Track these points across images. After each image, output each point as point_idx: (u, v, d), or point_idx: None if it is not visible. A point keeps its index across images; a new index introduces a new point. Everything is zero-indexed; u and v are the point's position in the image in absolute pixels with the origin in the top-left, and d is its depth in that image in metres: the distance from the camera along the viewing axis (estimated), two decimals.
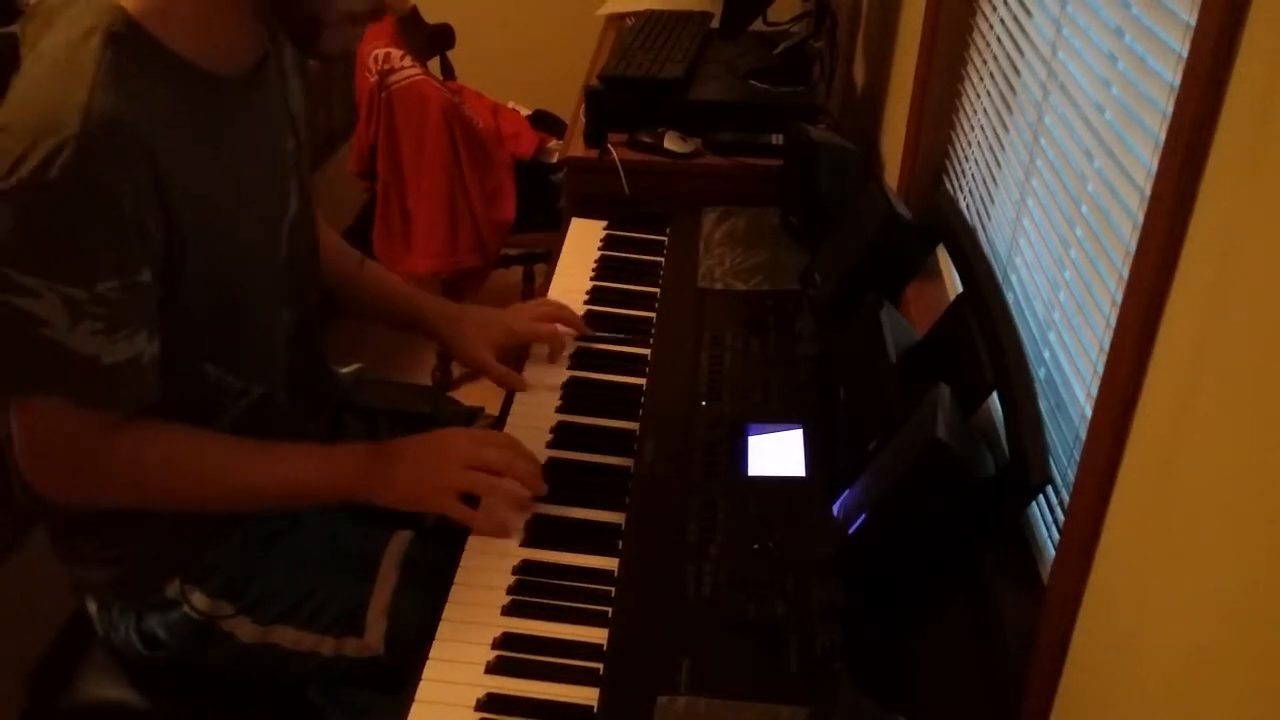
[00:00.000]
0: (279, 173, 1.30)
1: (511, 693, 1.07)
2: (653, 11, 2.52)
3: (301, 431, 1.38)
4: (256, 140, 1.26)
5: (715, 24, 2.39)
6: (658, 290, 1.73)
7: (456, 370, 3.07)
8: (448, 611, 1.15)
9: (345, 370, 1.66)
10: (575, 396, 1.49)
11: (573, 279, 1.76)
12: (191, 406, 1.24)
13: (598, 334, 1.61)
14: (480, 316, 1.59)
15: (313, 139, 3.05)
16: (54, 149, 1.03)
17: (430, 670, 1.09)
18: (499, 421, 1.46)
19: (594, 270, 1.78)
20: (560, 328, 1.58)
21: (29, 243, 1.06)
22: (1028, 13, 1.40)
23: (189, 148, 1.14)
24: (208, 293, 1.19)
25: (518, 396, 1.49)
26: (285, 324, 1.35)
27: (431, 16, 3.10)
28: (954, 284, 1.58)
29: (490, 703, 1.06)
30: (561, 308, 1.60)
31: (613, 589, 1.18)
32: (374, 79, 2.66)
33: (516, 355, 1.58)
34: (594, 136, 2.07)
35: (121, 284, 1.09)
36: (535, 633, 1.13)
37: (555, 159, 2.90)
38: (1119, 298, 0.91)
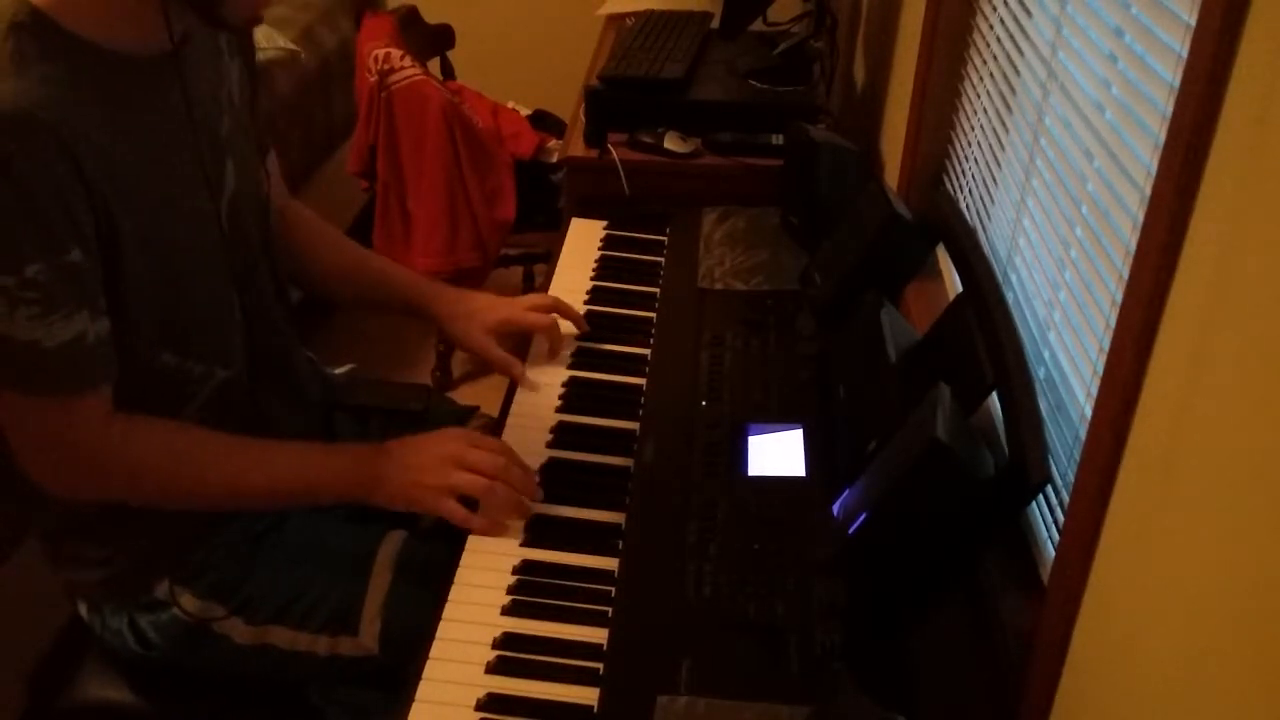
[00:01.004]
0: (213, 152, 1.29)
1: (511, 693, 1.07)
2: (653, 11, 2.52)
3: (278, 423, 1.37)
4: (179, 120, 1.24)
5: (715, 24, 2.39)
6: (658, 290, 1.73)
7: (456, 370, 3.07)
8: (448, 611, 1.15)
9: (338, 371, 1.66)
10: (575, 396, 1.49)
11: (573, 279, 1.76)
12: (156, 395, 1.24)
13: (597, 334, 1.61)
14: (478, 301, 1.59)
15: (307, 139, 3.04)
16: None
17: (430, 670, 1.09)
18: (499, 421, 1.46)
19: (594, 270, 1.78)
20: (559, 320, 1.58)
21: None
22: (1028, 13, 1.40)
23: (103, 129, 1.13)
24: (151, 274, 1.19)
25: (518, 396, 1.49)
26: (240, 307, 1.34)
27: (431, 16, 3.10)
28: (954, 284, 1.58)
29: (490, 703, 1.06)
30: (560, 301, 1.60)
31: (613, 589, 1.18)
32: (374, 79, 2.66)
33: (517, 352, 1.58)
34: (594, 136, 2.07)
35: (48, 265, 1.09)
36: (535, 633, 1.13)
37: (555, 159, 2.90)
38: (1119, 298, 0.91)
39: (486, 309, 1.57)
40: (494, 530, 1.25)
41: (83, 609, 1.36)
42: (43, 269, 1.09)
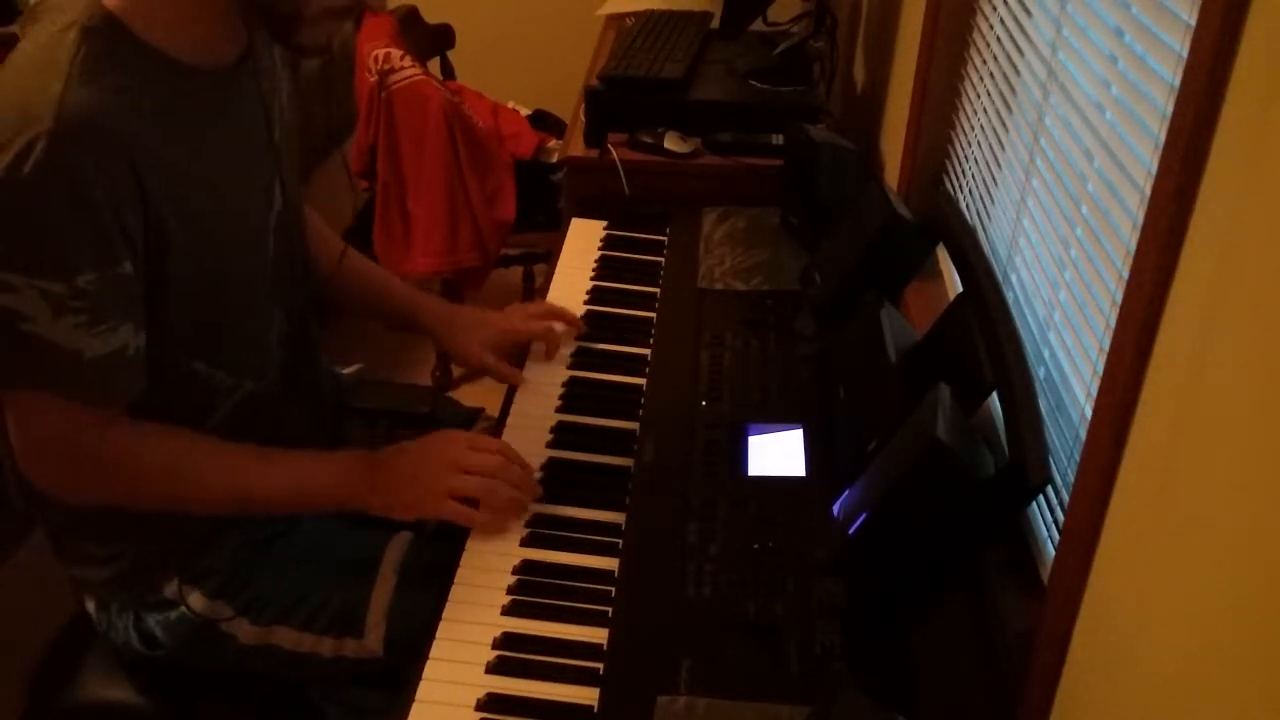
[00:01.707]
0: (264, 168, 1.30)
1: (511, 693, 1.07)
2: (653, 11, 2.52)
3: (298, 429, 1.37)
4: (239, 134, 1.26)
5: (715, 24, 2.39)
6: (658, 290, 1.73)
7: (456, 370, 3.07)
8: (448, 611, 1.15)
9: (346, 371, 1.66)
10: (575, 396, 1.49)
11: (573, 279, 1.76)
12: (182, 403, 1.24)
13: (597, 334, 1.61)
14: (475, 316, 1.60)
15: (307, 138, 3.05)
16: (28, 144, 1.03)
17: (430, 670, 1.09)
18: (499, 422, 1.46)
19: (594, 270, 1.79)
20: (556, 325, 1.58)
21: (4, 237, 1.06)
22: (1028, 13, 1.40)
23: (168, 141, 1.14)
24: (195, 287, 1.19)
25: (518, 396, 1.49)
26: (277, 321, 1.35)
27: (431, 16, 3.10)
28: (954, 284, 1.58)
29: (490, 703, 1.06)
30: (555, 306, 1.60)
31: (613, 589, 1.18)
32: (374, 79, 2.66)
33: (516, 355, 1.58)
34: (594, 136, 2.07)
35: (101, 277, 1.09)
36: (535, 633, 1.13)
37: (555, 159, 2.90)
38: (1119, 298, 0.91)
39: (483, 323, 1.57)
40: (496, 526, 1.25)
41: (90, 606, 1.36)
42: (94, 279, 1.08)
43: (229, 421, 1.29)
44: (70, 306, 1.08)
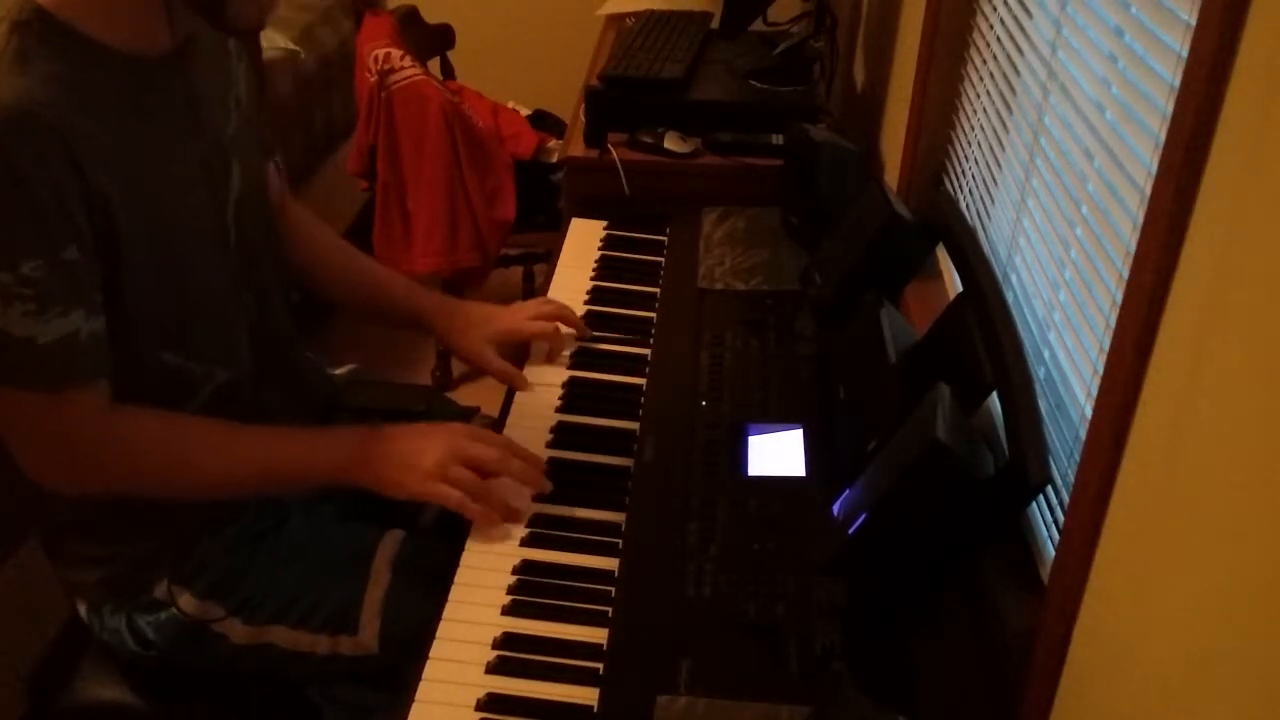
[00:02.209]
0: (218, 154, 1.29)
1: (511, 693, 1.07)
2: (653, 11, 2.52)
3: (279, 419, 1.37)
4: (184, 120, 1.25)
5: (715, 24, 2.39)
6: (658, 290, 1.73)
7: (456, 370, 3.07)
8: (448, 611, 1.15)
9: (339, 371, 1.66)
10: (575, 396, 1.49)
11: (573, 279, 1.76)
12: (157, 394, 1.24)
13: (597, 334, 1.61)
14: (479, 313, 1.59)
15: (307, 138, 3.04)
16: None
17: (430, 670, 1.09)
18: (498, 421, 1.46)
19: (594, 270, 1.78)
20: (560, 327, 1.57)
21: None
22: (1028, 13, 1.40)
23: (106, 128, 1.14)
24: (152, 275, 1.19)
25: (518, 396, 1.49)
26: (246, 309, 1.34)
27: (431, 16, 3.11)
28: (954, 284, 1.58)
29: (490, 703, 1.06)
30: (562, 308, 1.60)
31: (613, 589, 1.18)
32: (374, 79, 2.66)
33: (516, 355, 1.58)
34: (594, 136, 2.07)
35: (46, 263, 1.09)
36: (535, 633, 1.13)
37: (555, 159, 2.90)
38: (1119, 298, 0.91)
39: (486, 321, 1.57)
40: (490, 519, 1.24)
41: (82, 608, 1.36)
42: (39, 266, 1.09)
43: (206, 412, 1.29)
44: (18, 294, 1.09)
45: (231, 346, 1.32)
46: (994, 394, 1.21)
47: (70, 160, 1.09)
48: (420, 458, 1.26)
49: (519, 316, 1.58)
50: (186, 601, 1.31)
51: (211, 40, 1.31)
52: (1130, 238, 0.97)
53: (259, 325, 1.36)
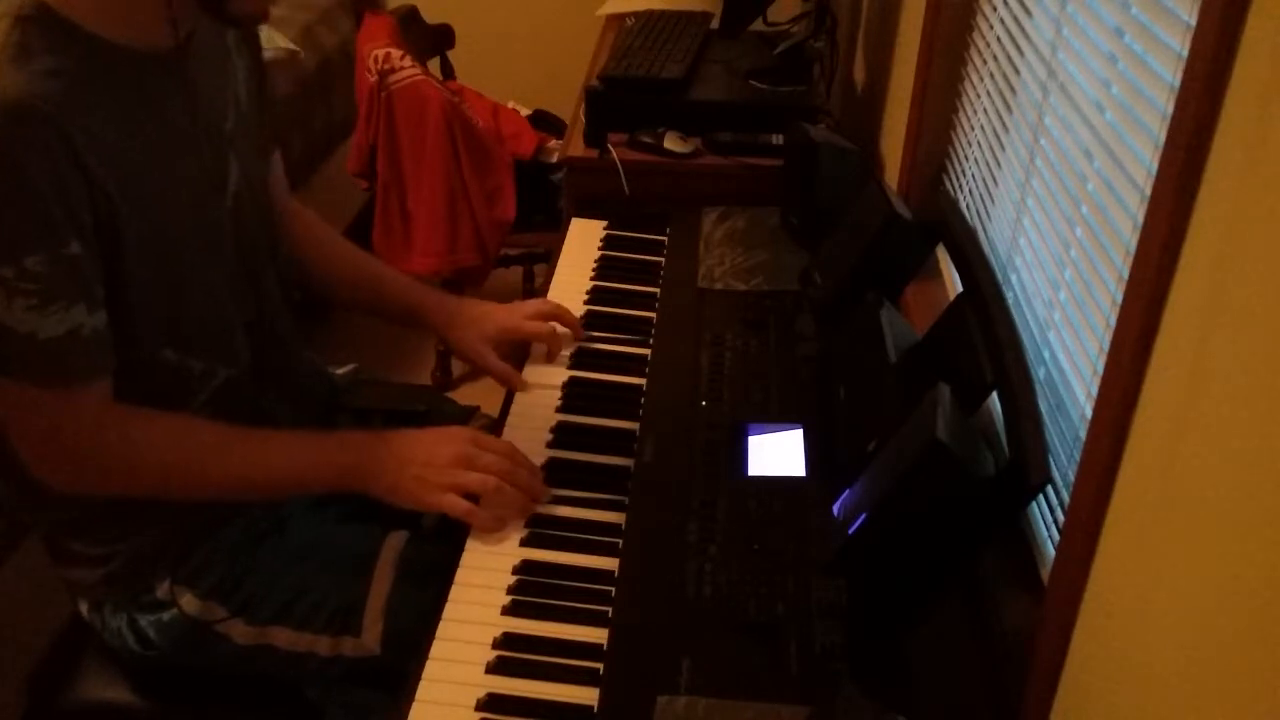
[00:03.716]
0: (216, 150, 1.29)
1: (511, 693, 1.07)
2: (653, 11, 2.52)
3: (280, 423, 1.37)
4: (184, 116, 1.25)
5: (715, 24, 2.39)
6: (658, 290, 1.73)
7: (456, 370, 3.07)
8: (448, 611, 1.15)
9: (340, 371, 1.66)
10: (575, 396, 1.49)
11: (573, 279, 1.76)
12: (159, 392, 1.24)
13: (597, 334, 1.61)
14: (476, 310, 1.59)
15: (307, 138, 3.04)
16: None
17: (430, 670, 1.09)
18: (498, 421, 1.46)
19: (594, 270, 1.78)
20: (557, 327, 1.57)
21: None
22: (1028, 13, 1.40)
23: (107, 123, 1.14)
24: (151, 271, 1.19)
25: (518, 396, 1.49)
26: (243, 306, 1.34)
27: (431, 16, 3.11)
28: (954, 284, 1.58)
29: (490, 703, 1.06)
30: (559, 308, 1.60)
31: (613, 589, 1.18)
32: (374, 79, 2.66)
33: (517, 355, 1.58)
34: (594, 136, 2.07)
35: (49, 257, 1.09)
36: (535, 633, 1.13)
37: (555, 159, 2.90)
38: (1119, 298, 0.91)
39: (484, 318, 1.56)
40: (497, 526, 1.24)
41: (83, 608, 1.36)
42: (41, 260, 1.09)
43: (207, 410, 1.28)
44: (21, 289, 1.09)
45: (230, 344, 1.32)
46: (994, 394, 1.21)
47: (72, 155, 1.09)
48: (427, 468, 1.26)
49: (516, 315, 1.57)
50: (189, 602, 1.31)
51: (211, 37, 1.31)
52: (1130, 238, 0.97)
53: (258, 323, 1.36)
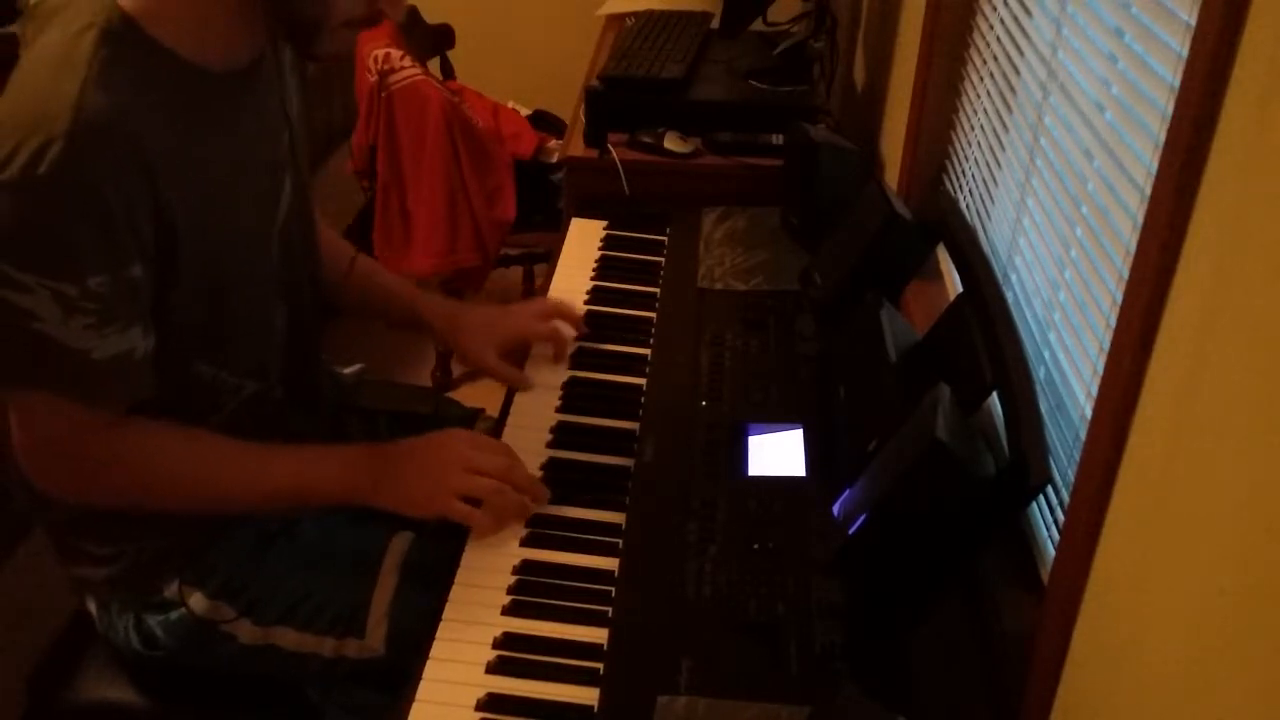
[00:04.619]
0: (273, 170, 1.30)
1: (511, 693, 1.07)
2: (653, 11, 2.52)
3: (299, 429, 1.37)
4: (250, 137, 1.26)
5: (715, 24, 2.39)
6: (658, 290, 1.73)
7: (456, 370, 3.07)
8: (448, 611, 1.15)
9: (347, 371, 1.66)
10: (575, 396, 1.49)
11: (573, 279, 1.76)
12: (185, 405, 1.24)
13: (597, 334, 1.60)
14: (480, 316, 1.59)
15: (311, 139, 3.05)
16: (43, 145, 1.03)
17: (430, 670, 1.09)
18: (499, 422, 1.46)
19: (594, 270, 1.79)
20: (560, 325, 1.57)
21: (20, 238, 1.06)
22: (1028, 13, 1.40)
23: (181, 144, 1.14)
24: (201, 289, 1.19)
25: (518, 396, 1.49)
26: (280, 321, 1.34)
27: (431, 16, 3.10)
28: (954, 284, 1.58)
29: (490, 703, 1.06)
30: (561, 304, 1.60)
31: (613, 589, 1.18)
32: (374, 79, 2.66)
33: (516, 354, 1.58)
34: (594, 136, 2.07)
35: (112, 279, 1.09)
36: (535, 633, 1.13)
37: (555, 159, 2.90)
38: (1119, 298, 0.91)
39: (488, 325, 1.56)
40: (497, 528, 1.25)
41: (91, 605, 1.36)
42: (105, 281, 1.08)
43: (230, 423, 1.29)
44: (81, 308, 1.08)
45: (264, 360, 1.33)
46: (994, 394, 1.21)
47: (146, 173, 1.09)
48: (431, 479, 1.26)
49: (521, 319, 1.57)
50: (197, 601, 1.30)
51: (271, 56, 1.31)
52: (1130, 238, 0.97)
53: (292, 338, 1.37)
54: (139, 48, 1.12)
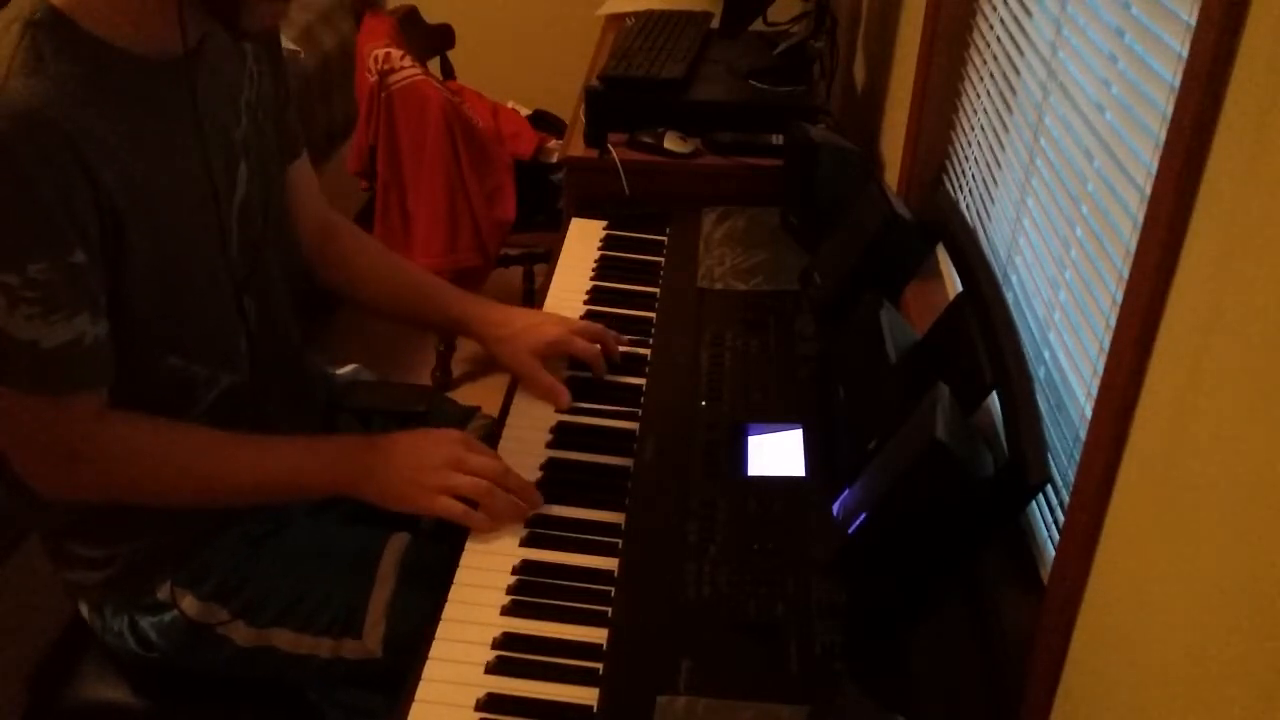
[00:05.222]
0: (224, 157, 1.29)
1: (511, 693, 1.07)
2: (653, 11, 2.52)
3: (282, 425, 1.37)
4: (191, 122, 1.24)
5: (715, 24, 2.39)
6: (658, 290, 1.73)
7: (456, 370, 3.07)
8: (448, 611, 1.15)
9: (341, 371, 1.66)
10: (575, 396, 1.48)
11: (573, 279, 1.76)
12: (162, 398, 1.24)
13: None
14: (523, 320, 1.54)
15: (311, 138, 3.05)
16: None
17: (430, 670, 1.09)
18: (498, 422, 1.46)
19: (594, 270, 1.78)
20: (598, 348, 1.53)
21: None
22: (1028, 13, 1.40)
23: (116, 130, 1.14)
24: (155, 277, 1.19)
25: (517, 396, 1.49)
26: (249, 312, 1.33)
27: (431, 16, 3.10)
28: (954, 284, 1.58)
29: (490, 703, 1.06)
30: (605, 332, 1.55)
31: (613, 589, 1.18)
32: (374, 79, 2.66)
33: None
34: (594, 136, 2.07)
35: (52, 265, 1.09)
36: (535, 633, 1.13)
37: (555, 159, 2.90)
38: (1119, 298, 0.91)
39: (532, 329, 1.52)
40: (493, 528, 1.24)
41: (84, 609, 1.36)
42: (46, 268, 1.09)
43: (211, 415, 1.28)
44: (24, 297, 1.08)
45: (233, 351, 1.32)
46: (994, 394, 1.21)
47: (79, 162, 1.09)
48: (421, 473, 1.26)
49: (564, 330, 1.52)
50: (189, 604, 1.30)
51: (227, 44, 1.31)
52: (1130, 238, 0.97)
53: (261, 329, 1.36)
54: (66, 37, 1.12)
